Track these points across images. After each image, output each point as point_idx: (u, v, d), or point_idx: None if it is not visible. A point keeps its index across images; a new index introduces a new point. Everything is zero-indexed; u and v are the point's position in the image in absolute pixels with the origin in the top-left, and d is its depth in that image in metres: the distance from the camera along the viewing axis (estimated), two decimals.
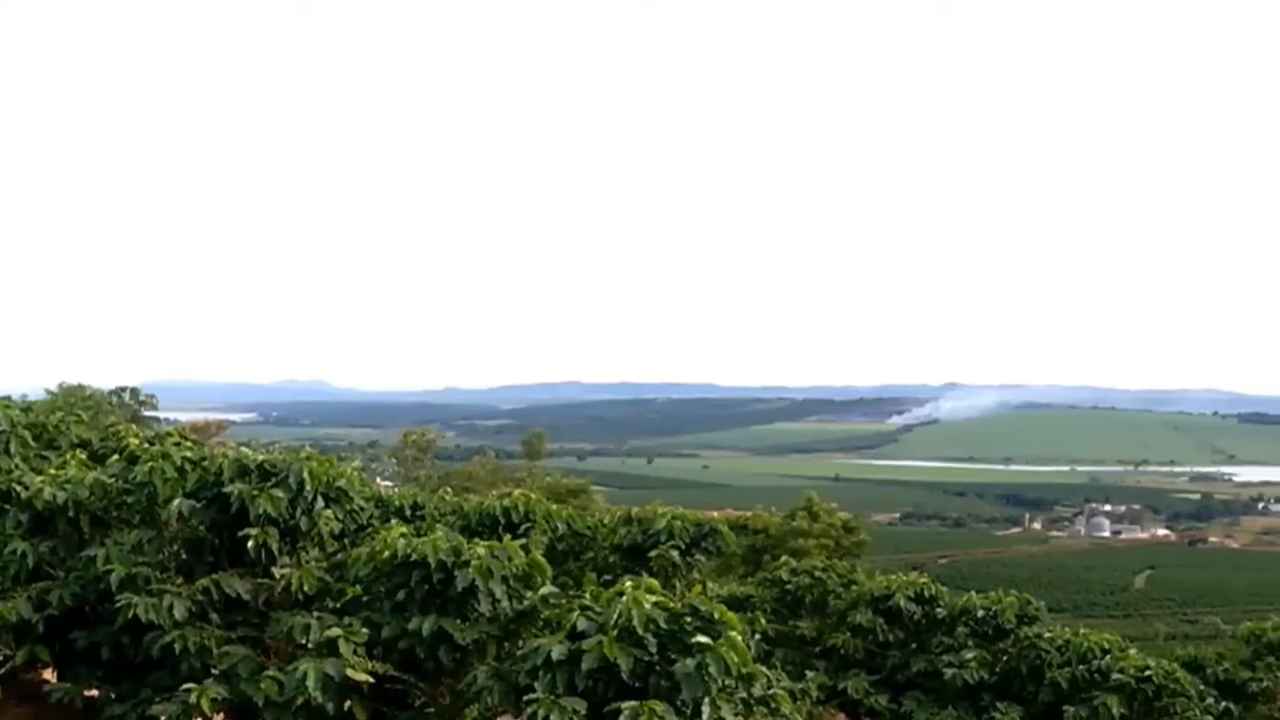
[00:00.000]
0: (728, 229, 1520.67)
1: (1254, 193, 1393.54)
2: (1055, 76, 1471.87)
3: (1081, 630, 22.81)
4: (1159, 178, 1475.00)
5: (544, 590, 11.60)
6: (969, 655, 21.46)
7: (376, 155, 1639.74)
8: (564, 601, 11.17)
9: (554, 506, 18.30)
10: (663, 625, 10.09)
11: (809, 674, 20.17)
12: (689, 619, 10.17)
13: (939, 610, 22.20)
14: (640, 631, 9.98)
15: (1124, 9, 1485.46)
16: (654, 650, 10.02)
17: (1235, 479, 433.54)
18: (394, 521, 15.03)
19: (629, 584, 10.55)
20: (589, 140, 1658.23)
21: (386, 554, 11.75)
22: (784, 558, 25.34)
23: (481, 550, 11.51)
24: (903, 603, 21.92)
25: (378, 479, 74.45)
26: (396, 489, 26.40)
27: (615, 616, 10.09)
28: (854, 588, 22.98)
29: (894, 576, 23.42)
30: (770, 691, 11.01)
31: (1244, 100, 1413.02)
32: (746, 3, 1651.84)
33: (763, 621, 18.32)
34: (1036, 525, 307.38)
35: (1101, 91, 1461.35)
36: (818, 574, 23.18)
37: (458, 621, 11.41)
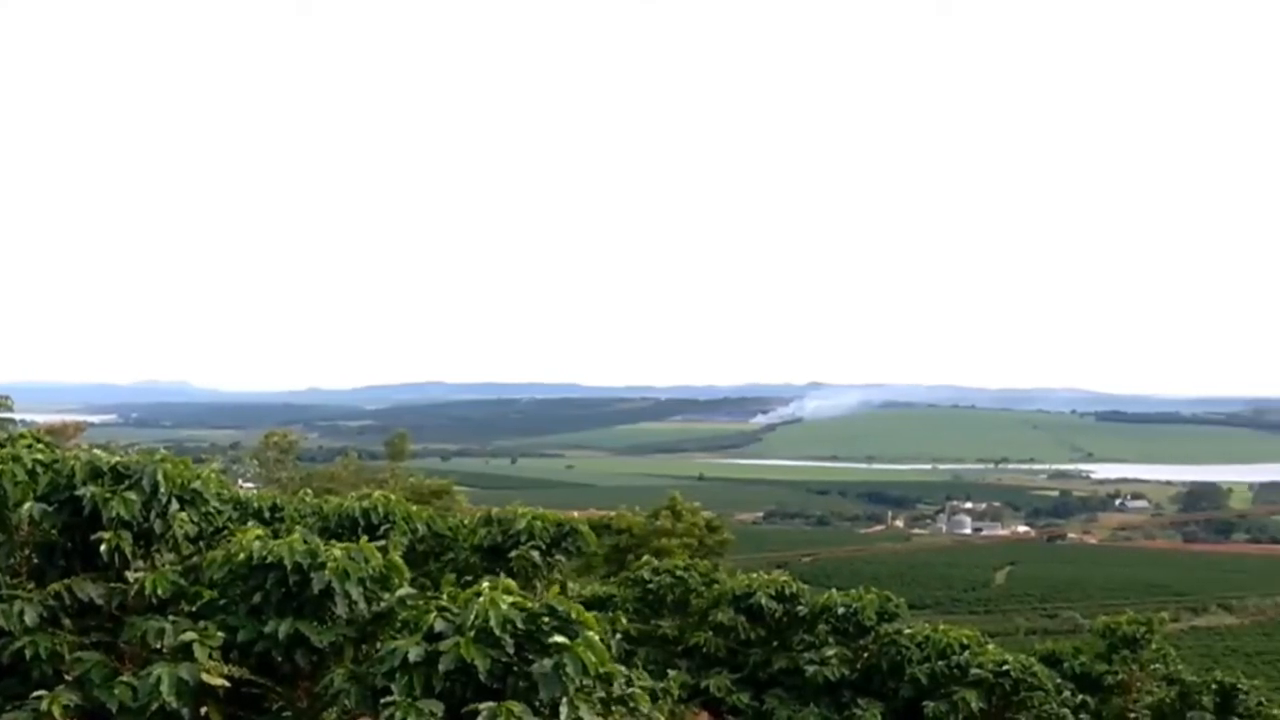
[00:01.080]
0: (588, 229, 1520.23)
1: (1107, 196, 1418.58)
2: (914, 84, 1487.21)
3: (941, 626, 23.12)
4: (1012, 179, 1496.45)
5: (401, 592, 11.55)
6: (830, 652, 21.64)
7: (228, 153, 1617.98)
8: (421, 603, 11.12)
9: (414, 508, 18.26)
10: (520, 626, 10.10)
11: (671, 673, 20.17)
12: (546, 619, 10.20)
13: (800, 608, 22.37)
14: (497, 632, 9.98)
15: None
16: (511, 651, 10.03)
17: (1093, 476, 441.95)
18: (252, 524, 14.84)
19: (486, 585, 10.55)
20: (450, 136, 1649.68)
21: (242, 556, 11.59)
22: (646, 557, 25.40)
23: (338, 552, 11.43)
24: (764, 601, 22.08)
25: (239, 481, 73.60)
26: (257, 491, 26.13)
27: (472, 617, 10.09)
28: (716, 586, 23.08)
29: (755, 575, 23.58)
30: (629, 691, 11.07)
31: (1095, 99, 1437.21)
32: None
33: (624, 621, 18.30)
34: (899, 523, 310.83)
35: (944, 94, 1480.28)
36: (679, 573, 23.27)
37: (314, 624, 11.32)
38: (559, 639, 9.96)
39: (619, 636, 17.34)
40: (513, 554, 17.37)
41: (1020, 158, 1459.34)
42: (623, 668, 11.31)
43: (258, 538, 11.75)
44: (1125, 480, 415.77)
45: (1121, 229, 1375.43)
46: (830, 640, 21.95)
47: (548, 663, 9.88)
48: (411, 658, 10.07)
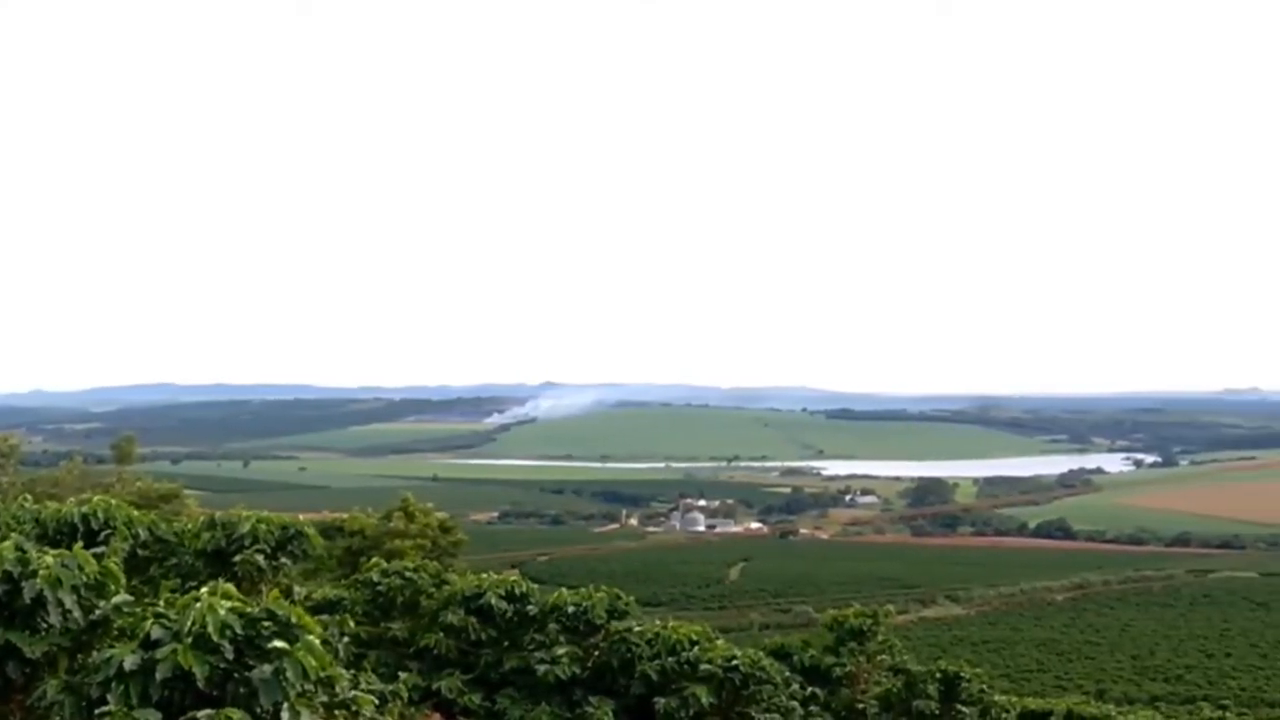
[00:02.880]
0: (318, 229, 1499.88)
1: (833, 201, 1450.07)
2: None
3: (671, 623, 23.37)
4: (741, 183, 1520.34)
5: (117, 599, 11.23)
6: (561, 651, 21.67)
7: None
8: (139, 610, 10.85)
9: (136, 512, 17.81)
10: (239, 631, 9.90)
11: (402, 675, 19.97)
12: (266, 624, 10.02)
13: (530, 607, 22.37)
14: (216, 638, 9.77)
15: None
16: (231, 656, 9.83)
17: (824, 473, 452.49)
18: None
19: (205, 590, 10.34)
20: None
21: None
22: (376, 559, 25.19)
23: (50, 559, 11.07)
24: (494, 601, 22.04)
25: None
26: None
27: (190, 623, 9.85)
28: (446, 587, 22.96)
29: (485, 575, 23.52)
30: (351, 694, 10.95)
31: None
32: None
33: (352, 624, 18.14)
34: (633, 521, 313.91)
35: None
36: (409, 574, 23.09)
37: (26, 634, 10.92)
38: (279, 644, 9.81)
39: (347, 640, 17.18)
40: (237, 558, 17.09)
41: (735, 162, 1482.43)
42: (345, 671, 11.19)
43: None
44: (855, 476, 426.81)
45: (845, 233, 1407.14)
46: (561, 639, 22.00)
47: (267, 668, 9.70)
48: (127, 666, 9.79)
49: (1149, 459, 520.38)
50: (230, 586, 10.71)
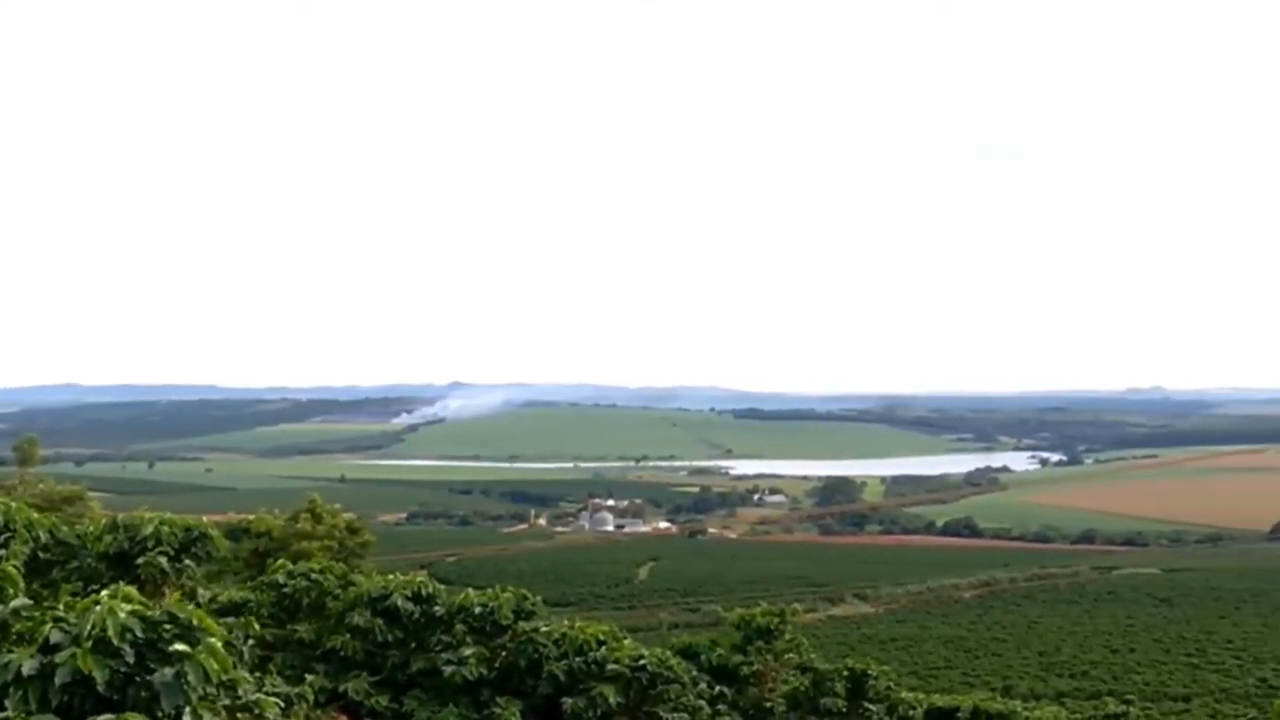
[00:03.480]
0: (225, 228, 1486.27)
1: (739, 203, 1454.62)
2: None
3: (579, 623, 23.40)
4: (644, 182, 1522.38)
5: (16, 603, 11.06)
6: (468, 652, 21.66)
7: None
8: (38, 614, 10.70)
9: (37, 515, 17.57)
10: (140, 634, 9.78)
11: (308, 677, 19.89)
12: (168, 627, 9.91)
13: (437, 608, 22.33)
14: (116, 641, 9.63)
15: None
16: (132, 660, 9.71)
17: (732, 472, 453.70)
18: None
19: (105, 593, 10.22)
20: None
21: None
22: (281, 560, 25.01)
23: None
24: (400, 602, 21.98)
25: None
26: None
27: (90, 627, 9.71)
28: (352, 589, 22.86)
29: (392, 576, 23.45)
30: (254, 697, 10.86)
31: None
32: None
33: (257, 626, 18.00)
34: (542, 521, 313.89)
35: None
36: (315, 576, 22.97)
37: None
38: (181, 647, 9.70)
39: (252, 642, 17.05)
40: (140, 561, 16.92)
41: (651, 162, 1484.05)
42: (250, 674, 11.10)
43: None
44: (763, 476, 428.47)
45: (751, 235, 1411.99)
46: (468, 640, 21.98)
47: (169, 671, 9.59)
48: (26, 671, 9.63)
49: (1054, 458, 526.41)
50: (132, 590, 10.59)
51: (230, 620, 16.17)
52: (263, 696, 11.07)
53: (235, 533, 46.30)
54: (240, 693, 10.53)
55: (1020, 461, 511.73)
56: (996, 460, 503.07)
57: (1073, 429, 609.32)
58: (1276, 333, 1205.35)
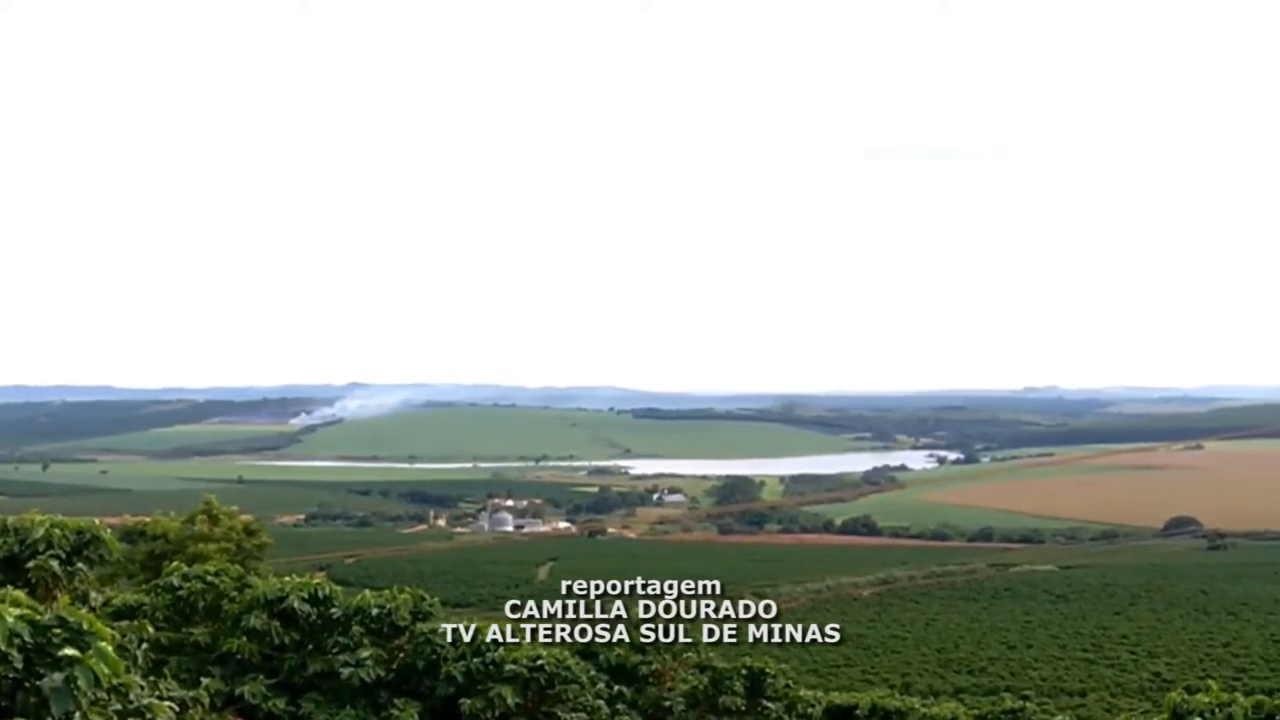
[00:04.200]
0: (120, 224, 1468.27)
1: (621, 197, 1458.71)
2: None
3: (477, 624, 23.34)
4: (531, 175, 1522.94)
5: None
6: (365, 654, 21.60)
7: None
8: None
9: None
10: (29, 639, 9.66)
11: (204, 681, 19.70)
12: (57, 631, 9.80)
13: (334, 610, 22.24)
14: (4, 646, 9.52)
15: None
16: (20, 665, 9.59)
17: (631, 472, 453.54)
18: None
19: None
20: None
21: None
22: (177, 563, 24.75)
23: None
24: (297, 604, 21.86)
25: None
26: None
27: None
28: (249, 591, 22.68)
29: (288, 578, 23.29)
30: (146, 702, 10.75)
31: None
32: None
33: (151, 629, 17.80)
34: (441, 522, 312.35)
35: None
36: (211, 578, 22.78)
37: None
38: (71, 651, 9.59)
39: (145, 646, 16.85)
40: (30, 564, 16.71)
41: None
42: (143, 678, 10.97)
43: None
44: (662, 475, 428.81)
45: (650, 232, 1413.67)
46: (365, 641, 21.93)
47: (58, 676, 9.48)
48: None
49: (952, 456, 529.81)
50: (21, 594, 10.46)
51: (124, 624, 16.00)
52: (155, 701, 10.96)
53: (130, 535, 45.82)
54: (132, 697, 10.43)
55: (918, 460, 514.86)
56: (895, 459, 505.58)
57: (970, 427, 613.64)
58: (1168, 331, 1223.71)
